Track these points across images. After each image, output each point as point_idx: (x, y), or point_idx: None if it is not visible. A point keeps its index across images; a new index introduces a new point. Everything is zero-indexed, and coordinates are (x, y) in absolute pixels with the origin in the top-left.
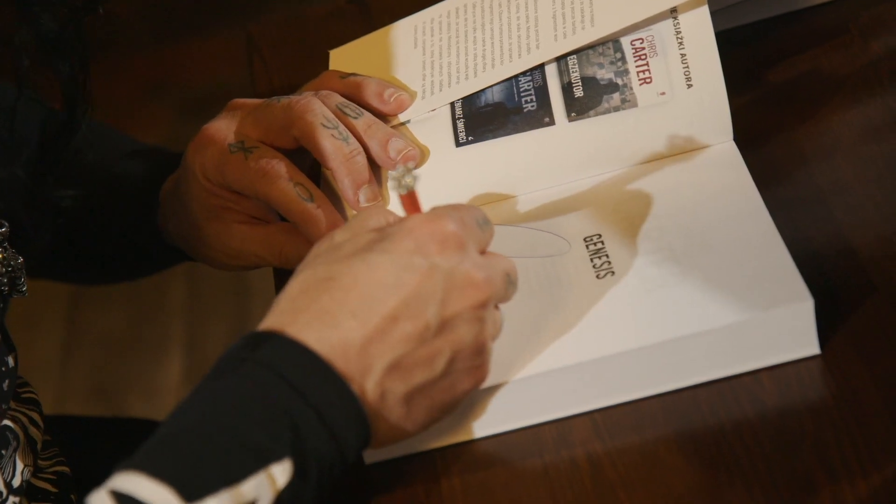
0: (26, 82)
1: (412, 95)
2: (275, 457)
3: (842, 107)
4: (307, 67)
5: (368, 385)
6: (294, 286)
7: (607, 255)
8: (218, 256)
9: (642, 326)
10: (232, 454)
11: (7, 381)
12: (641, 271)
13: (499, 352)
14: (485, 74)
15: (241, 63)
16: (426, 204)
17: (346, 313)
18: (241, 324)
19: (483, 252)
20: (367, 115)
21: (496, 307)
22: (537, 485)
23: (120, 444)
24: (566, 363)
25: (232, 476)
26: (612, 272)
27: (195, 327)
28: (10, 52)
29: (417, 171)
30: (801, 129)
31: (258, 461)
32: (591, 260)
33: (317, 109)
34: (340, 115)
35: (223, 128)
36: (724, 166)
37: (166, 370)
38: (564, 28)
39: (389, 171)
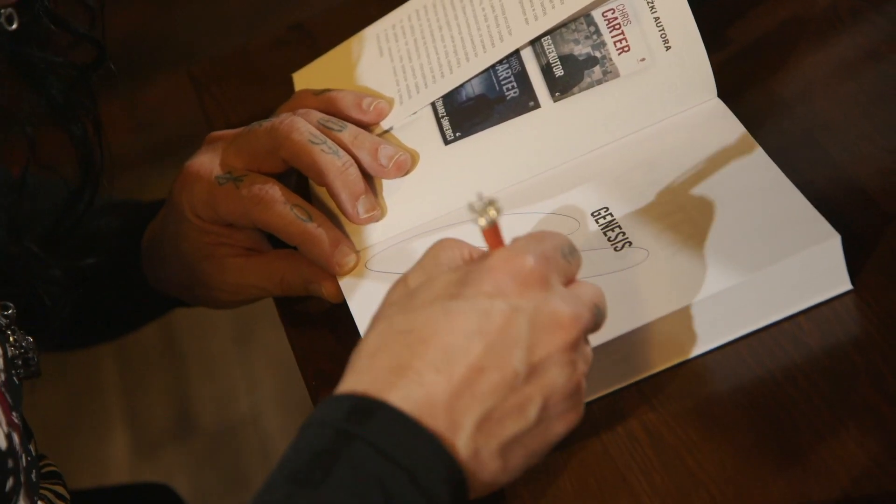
0: (34, 153)
1: (389, 102)
2: None
3: (810, 50)
4: (261, 97)
5: (460, 442)
6: (371, 341)
7: (619, 227)
8: (217, 295)
9: (673, 290)
10: None
11: (34, 472)
12: (659, 237)
13: None
14: (460, 70)
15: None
16: (422, 201)
17: (429, 368)
18: (181, 392)
19: (570, 282)
20: (351, 126)
21: (586, 341)
22: (600, 464)
23: None
24: (607, 338)
25: None
26: (630, 242)
27: (133, 402)
28: (15, 124)
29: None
30: (776, 78)
31: None
32: (605, 234)
33: (302, 128)
34: (324, 130)
35: (207, 162)
36: (715, 122)
37: (112, 447)
38: (534, 10)
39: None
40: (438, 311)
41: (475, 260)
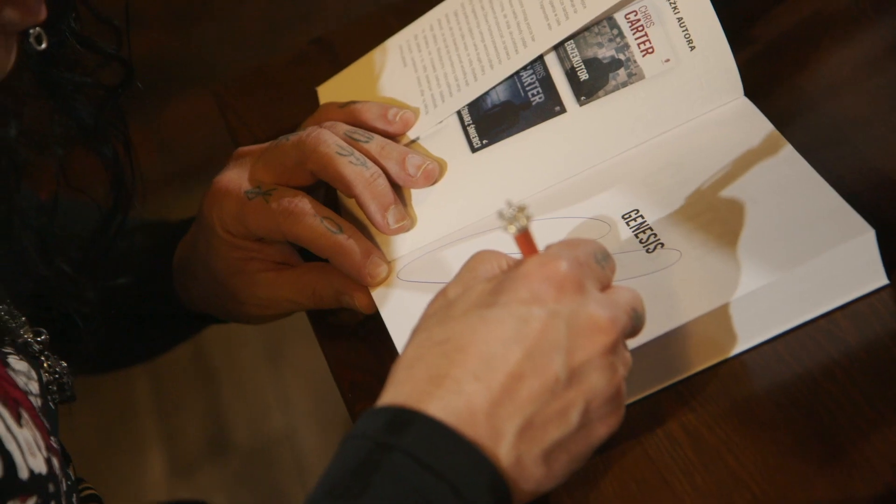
0: (64, 175)
1: (415, 112)
2: None
3: (836, 46)
4: (285, 112)
5: (502, 451)
6: (410, 352)
7: (651, 228)
8: (249, 310)
9: (707, 290)
10: None
11: (74, 496)
12: (691, 237)
13: None
14: (484, 77)
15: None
16: (451, 209)
17: (468, 376)
18: (215, 410)
19: (606, 288)
20: (378, 137)
21: (624, 345)
22: (641, 467)
23: None
24: (644, 340)
25: None
26: (662, 244)
27: (168, 422)
28: (45, 147)
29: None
30: (802, 74)
31: None
32: (637, 236)
33: (329, 140)
34: (351, 141)
35: (235, 177)
36: (743, 121)
37: (148, 468)
38: (556, 15)
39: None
40: (475, 320)
41: (510, 268)
